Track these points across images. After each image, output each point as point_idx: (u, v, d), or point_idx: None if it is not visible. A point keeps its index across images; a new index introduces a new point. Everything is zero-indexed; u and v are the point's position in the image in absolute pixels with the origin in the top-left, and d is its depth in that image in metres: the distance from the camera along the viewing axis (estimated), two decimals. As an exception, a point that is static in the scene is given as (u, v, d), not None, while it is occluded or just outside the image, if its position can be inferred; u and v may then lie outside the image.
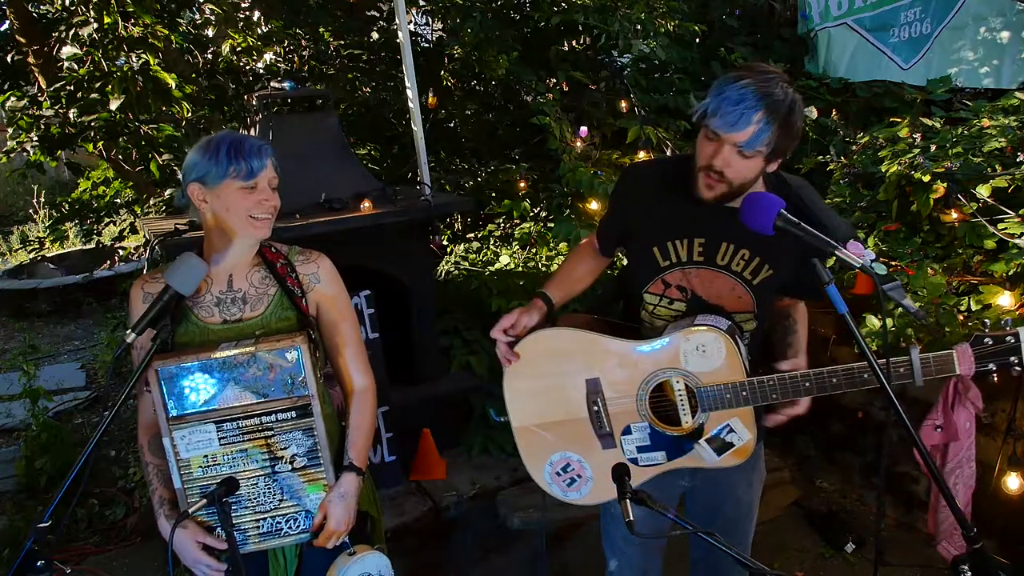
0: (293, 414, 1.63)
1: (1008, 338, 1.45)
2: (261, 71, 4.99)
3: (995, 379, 1.49)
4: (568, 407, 1.73)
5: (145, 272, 1.91)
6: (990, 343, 1.46)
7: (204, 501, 1.54)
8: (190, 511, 1.54)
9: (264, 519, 1.67)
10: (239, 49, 4.69)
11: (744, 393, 1.59)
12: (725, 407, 1.62)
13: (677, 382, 1.65)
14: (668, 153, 4.12)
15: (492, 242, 5.01)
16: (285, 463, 1.65)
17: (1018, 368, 1.46)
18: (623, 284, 1.94)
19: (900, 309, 2.91)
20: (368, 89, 5.38)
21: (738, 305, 1.74)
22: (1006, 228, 2.87)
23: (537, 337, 1.74)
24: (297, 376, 1.62)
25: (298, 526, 1.68)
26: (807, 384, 1.54)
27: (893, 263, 3.03)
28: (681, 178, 1.66)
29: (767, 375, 1.58)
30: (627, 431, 1.71)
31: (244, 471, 1.64)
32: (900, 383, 1.50)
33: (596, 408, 1.71)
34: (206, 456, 1.62)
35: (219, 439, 1.62)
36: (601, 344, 1.71)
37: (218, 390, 1.60)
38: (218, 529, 1.64)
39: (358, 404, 1.81)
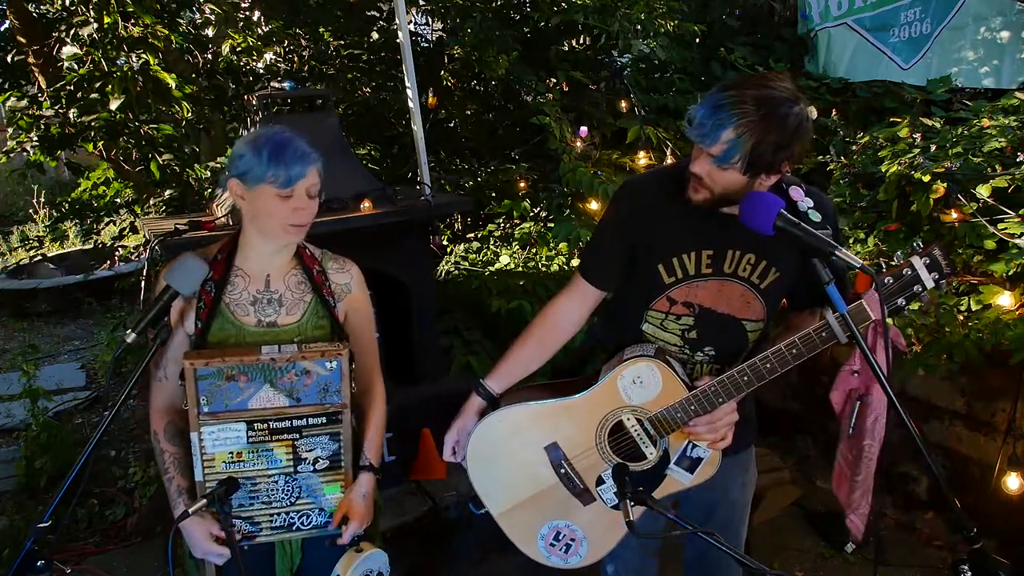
0: (323, 420, 1.66)
1: (905, 271, 1.48)
2: (261, 71, 4.98)
3: (906, 311, 1.52)
4: (538, 479, 1.73)
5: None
6: (891, 282, 1.48)
7: (204, 501, 1.56)
8: (189, 511, 1.55)
9: (279, 514, 1.69)
10: (239, 49, 4.68)
11: (693, 407, 1.60)
12: (680, 427, 1.63)
13: (628, 419, 1.66)
14: (668, 153, 4.12)
15: (492, 242, 5.00)
16: (308, 464, 1.68)
17: (924, 293, 1.49)
18: (610, 313, 1.90)
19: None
20: (368, 89, 5.38)
21: (747, 312, 1.72)
22: (1006, 228, 2.87)
23: (481, 430, 1.75)
24: (333, 385, 1.64)
25: (310, 522, 1.71)
26: (745, 378, 1.56)
27: (893, 263, 3.03)
28: (680, 188, 1.62)
29: (709, 382, 1.59)
30: (600, 481, 1.71)
31: (267, 469, 1.66)
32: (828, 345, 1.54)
33: (564, 470, 1.72)
34: (231, 452, 1.63)
35: (248, 438, 1.63)
36: (546, 409, 1.71)
37: (253, 391, 1.61)
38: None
39: (376, 406, 1.85)
